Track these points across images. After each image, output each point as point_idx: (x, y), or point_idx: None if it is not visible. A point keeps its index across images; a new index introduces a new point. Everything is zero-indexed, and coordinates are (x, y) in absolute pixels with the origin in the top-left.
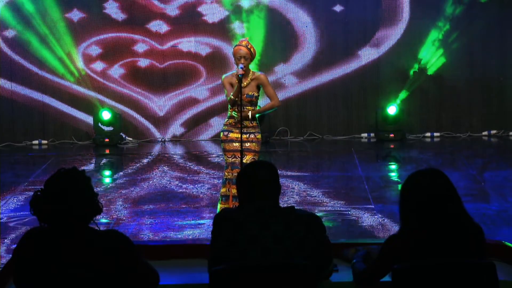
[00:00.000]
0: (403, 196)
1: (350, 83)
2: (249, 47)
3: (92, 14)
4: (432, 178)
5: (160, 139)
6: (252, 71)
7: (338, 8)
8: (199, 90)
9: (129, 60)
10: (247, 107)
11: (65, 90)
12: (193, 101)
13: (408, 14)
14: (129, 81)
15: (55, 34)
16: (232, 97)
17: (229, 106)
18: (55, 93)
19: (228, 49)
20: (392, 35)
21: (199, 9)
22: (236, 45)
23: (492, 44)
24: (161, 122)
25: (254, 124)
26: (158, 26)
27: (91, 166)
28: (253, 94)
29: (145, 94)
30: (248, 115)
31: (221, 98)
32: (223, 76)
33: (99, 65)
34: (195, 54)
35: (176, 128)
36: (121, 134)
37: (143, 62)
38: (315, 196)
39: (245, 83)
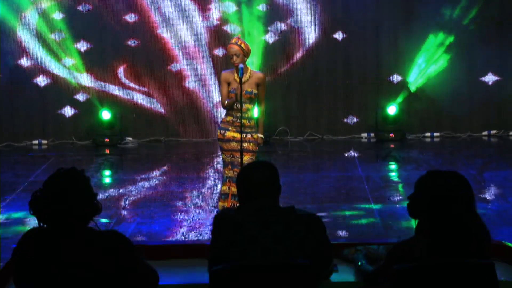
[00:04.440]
0: (415, 196)
1: (350, 83)
2: (239, 43)
3: (93, 14)
4: (445, 179)
5: (162, 139)
6: (251, 70)
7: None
8: (201, 89)
9: (129, 60)
10: (246, 105)
11: (65, 90)
12: (194, 100)
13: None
14: (130, 80)
15: (56, 35)
16: (225, 104)
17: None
18: (55, 93)
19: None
20: (392, 35)
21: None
22: (228, 44)
23: (492, 44)
24: (161, 122)
25: (251, 123)
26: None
27: (91, 166)
28: (252, 91)
29: (146, 93)
30: (259, 139)
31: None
32: (222, 72)
33: (99, 65)
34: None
35: (175, 127)
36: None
37: (143, 62)
38: (315, 196)
39: (243, 80)
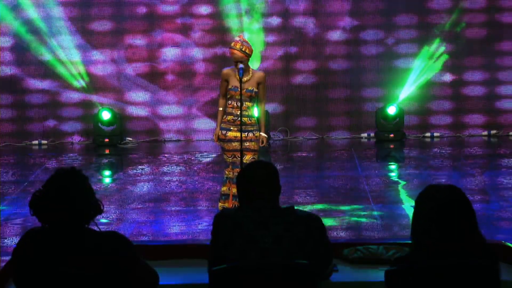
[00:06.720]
0: (415, 211)
1: (350, 82)
2: (243, 49)
3: (94, 14)
4: (444, 194)
5: (162, 139)
6: (252, 69)
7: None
8: (203, 90)
9: (130, 60)
10: (246, 103)
11: (65, 90)
12: (194, 100)
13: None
14: (130, 81)
15: (57, 36)
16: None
17: (227, 102)
18: (55, 93)
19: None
20: (393, 36)
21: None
22: (231, 47)
23: (490, 45)
24: (161, 122)
25: (252, 120)
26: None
27: (91, 166)
28: (253, 89)
29: (146, 93)
30: (264, 139)
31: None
32: (223, 70)
33: (100, 65)
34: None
35: (174, 128)
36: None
37: (144, 63)
38: (315, 196)
39: (245, 79)
